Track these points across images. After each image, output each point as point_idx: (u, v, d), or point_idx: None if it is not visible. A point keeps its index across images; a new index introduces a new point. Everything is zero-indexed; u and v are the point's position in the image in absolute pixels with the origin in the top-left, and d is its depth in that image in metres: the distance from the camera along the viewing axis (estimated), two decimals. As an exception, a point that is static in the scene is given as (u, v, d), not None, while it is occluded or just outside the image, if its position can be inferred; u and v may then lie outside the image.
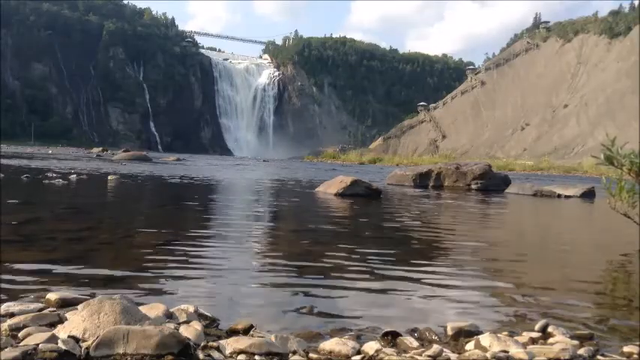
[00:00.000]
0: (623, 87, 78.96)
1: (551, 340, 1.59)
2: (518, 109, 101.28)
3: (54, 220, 4.00)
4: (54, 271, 2.23)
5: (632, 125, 67.43)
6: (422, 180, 11.45)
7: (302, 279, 2.34)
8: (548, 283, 2.47)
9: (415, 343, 1.52)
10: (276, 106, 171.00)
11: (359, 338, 1.57)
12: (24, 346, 1.30)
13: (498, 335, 1.54)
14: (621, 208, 3.70)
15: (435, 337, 1.61)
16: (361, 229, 4.48)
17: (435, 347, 1.45)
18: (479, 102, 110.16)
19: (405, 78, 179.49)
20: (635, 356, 1.49)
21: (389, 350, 1.44)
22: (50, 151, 39.58)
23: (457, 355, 1.44)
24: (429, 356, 1.41)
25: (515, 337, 1.57)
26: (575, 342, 1.56)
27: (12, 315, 1.54)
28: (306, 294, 2.08)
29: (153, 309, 1.61)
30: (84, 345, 1.33)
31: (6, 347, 1.28)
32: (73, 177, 8.65)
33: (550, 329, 1.67)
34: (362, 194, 7.59)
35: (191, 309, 1.66)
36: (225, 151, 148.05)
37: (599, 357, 1.47)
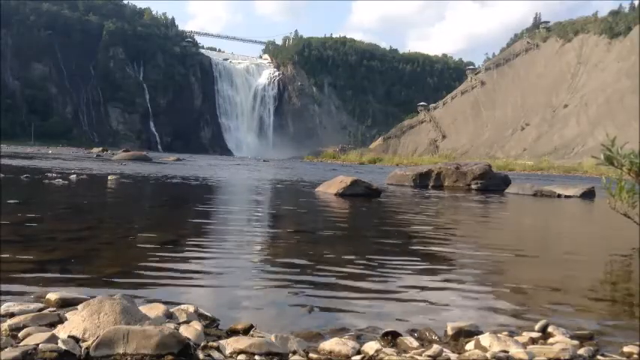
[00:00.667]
0: (623, 87, 78.98)
1: (551, 340, 1.59)
2: (518, 109, 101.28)
3: (54, 220, 4.00)
4: (54, 271, 2.23)
5: (632, 125, 67.43)
6: (422, 180, 11.45)
7: (302, 279, 2.33)
8: (548, 283, 2.47)
9: (415, 343, 1.52)
10: (276, 106, 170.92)
11: (359, 338, 1.57)
12: (24, 346, 1.30)
13: (498, 335, 1.54)
14: (621, 208, 3.71)
15: (435, 337, 1.61)
16: (361, 229, 4.48)
17: (435, 347, 1.45)
18: (479, 102, 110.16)
19: (405, 78, 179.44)
20: (635, 356, 1.49)
21: (389, 350, 1.44)
22: (50, 151, 39.58)
23: (457, 355, 1.44)
24: (429, 356, 1.41)
25: (515, 337, 1.57)
26: (575, 342, 1.56)
27: (12, 315, 1.54)
28: (306, 294, 2.08)
29: (153, 309, 1.61)
30: (84, 345, 1.33)
31: (6, 347, 1.28)
32: (73, 177, 8.65)
33: (550, 329, 1.67)
34: (362, 194, 7.59)
35: (191, 309, 1.66)
36: (225, 151, 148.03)
37: (599, 357, 1.47)
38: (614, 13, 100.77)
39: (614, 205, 3.75)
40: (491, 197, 9.10)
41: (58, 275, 2.16)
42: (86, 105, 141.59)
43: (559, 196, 10.13)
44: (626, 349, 1.53)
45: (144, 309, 1.58)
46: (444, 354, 1.42)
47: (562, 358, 1.43)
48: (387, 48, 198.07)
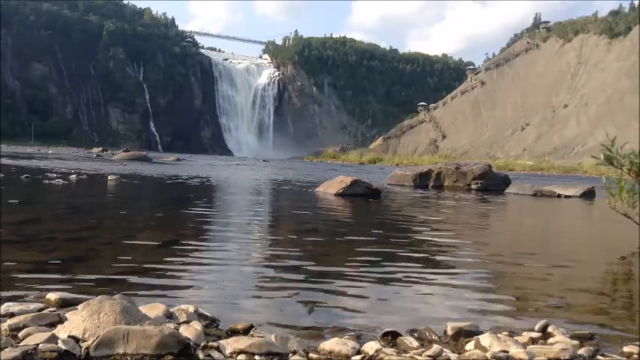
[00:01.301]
0: (623, 87, 78.96)
1: (551, 340, 1.59)
2: (518, 109, 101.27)
3: (54, 220, 4.00)
4: (54, 271, 2.23)
5: (632, 125, 67.42)
6: (422, 180, 11.45)
7: (302, 279, 2.33)
8: (548, 283, 2.47)
9: (415, 343, 1.52)
10: (276, 106, 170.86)
11: (359, 338, 1.57)
12: (24, 346, 1.30)
13: (498, 335, 1.54)
14: (621, 208, 3.71)
15: (435, 337, 1.61)
16: (361, 229, 4.48)
17: (435, 347, 1.45)
18: (479, 102, 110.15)
19: (405, 78, 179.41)
20: (635, 356, 1.49)
21: (389, 350, 1.44)
22: (50, 151, 39.58)
23: (457, 355, 1.44)
24: (429, 356, 1.41)
25: (515, 337, 1.57)
26: (575, 342, 1.56)
27: (12, 315, 1.54)
28: (305, 294, 2.08)
29: (153, 309, 1.61)
30: (84, 345, 1.33)
31: (6, 347, 1.28)
32: (73, 177, 8.65)
33: (550, 329, 1.67)
34: (362, 194, 7.59)
35: (191, 309, 1.66)
36: (225, 151, 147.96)
37: (599, 357, 1.47)
38: (614, 13, 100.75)
39: (614, 205, 3.75)
40: (491, 197, 9.10)
41: (58, 275, 2.16)
42: (86, 105, 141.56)
43: (559, 196, 10.13)
44: (626, 349, 1.53)
45: (144, 309, 1.58)
46: (444, 354, 1.42)
47: (562, 358, 1.43)
48: (387, 48, 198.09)
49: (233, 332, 1.55)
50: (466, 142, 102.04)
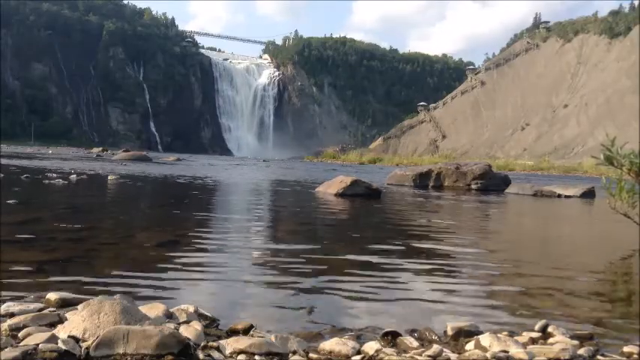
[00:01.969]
0: (623, 87, 78.98)
1: (551, 340, 1.59)
2: (518, 109, 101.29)
3: (54, 220, 4.00)
4: (54, 271, 2.23)
5: (632, 125, 67.44)
6: (422, 180, 11.45)
7: (302, 279, 2.33)
8: (548, 283, 2.47)
9: (415, 343, 1.52)
10: (276, 106, 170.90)
11: (359, 338, 1.57)
12: (24, 346, 1.30)
13: (498, 335, 1.54)
14: (621, 208, 3.70)
15: (434, 337, 1.61)
16: (361, 230, 4.48)
17: (435, 347, 1.45)
18: (479, 102, 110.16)
19: (405, 78, 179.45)
20: (635, 356, 1.49)
21: (389, 350, 1.44)
22: (50, 151, 39.57)
23: (457, 355, 1.44)
24: (429, 356, 1.41)
25: (515, 337, 1.57)
26: (575, 342, 1.56)
27: (12, 315, 1.54)
28: (306, 294, 2.08)
29: (153, 309, 1.61)
30: (84, 345, 1.33)
31: (6, 347, 1.28)
32: (73, 177, 8.65)
33: (550, 329, 1.67)
34: (362, 194, 7.59)
35: (191, 309, 1.66)
36: (225, 151, 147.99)
37: (599, 357, 1.47)
38: (614, 13, 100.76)
39: (614, 205, 3.75)
40: (491, 197, 9.10)
41: (58, 275, 2.16)
42: (86, 105, 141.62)
43: (559, 196, 10.13)
44: (626, 349, 1.53)
45: (144, 309, 1.58)
46: (444, 354, 1.42)
47: (562, 358, 1.43)
48: (387, 48, 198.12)
49: (233, 332, 1.55)
50: (466, 142, 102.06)
